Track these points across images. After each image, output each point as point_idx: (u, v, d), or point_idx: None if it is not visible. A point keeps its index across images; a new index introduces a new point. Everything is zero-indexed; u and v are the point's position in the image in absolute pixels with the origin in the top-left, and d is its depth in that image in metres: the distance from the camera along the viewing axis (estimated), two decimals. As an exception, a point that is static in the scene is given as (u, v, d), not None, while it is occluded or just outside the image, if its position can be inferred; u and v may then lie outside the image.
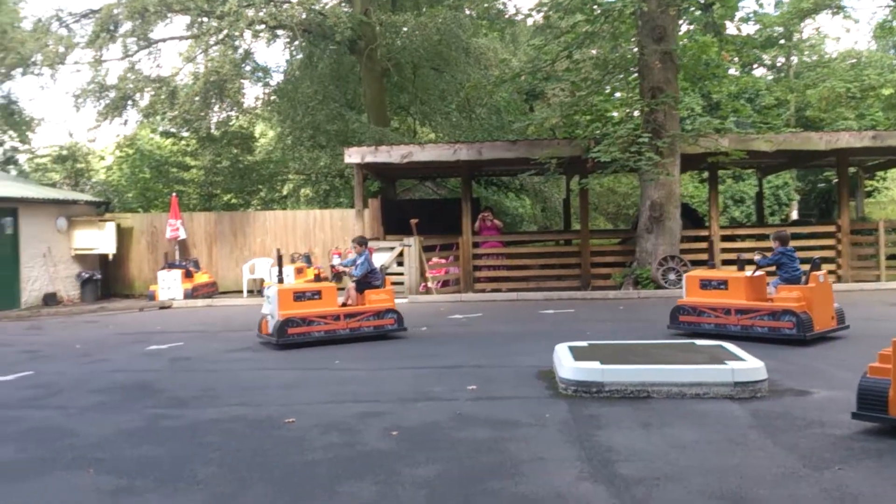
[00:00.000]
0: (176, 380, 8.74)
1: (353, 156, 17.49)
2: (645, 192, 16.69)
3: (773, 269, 10.54)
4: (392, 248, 17.27)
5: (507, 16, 21.39)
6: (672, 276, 16.00)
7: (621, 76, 17.73)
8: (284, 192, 28.02)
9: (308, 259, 19.13)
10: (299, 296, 10.90)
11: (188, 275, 18.46)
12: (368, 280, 11.60)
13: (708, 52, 17.49)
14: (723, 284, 10.22)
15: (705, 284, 10.39)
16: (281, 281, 11.43)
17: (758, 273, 10.33)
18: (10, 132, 30.44)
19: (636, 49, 16.94)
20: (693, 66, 17.44)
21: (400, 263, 17.12)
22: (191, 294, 18.05)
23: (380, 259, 17.34)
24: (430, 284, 17.09)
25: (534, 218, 29.33)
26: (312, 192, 27.42)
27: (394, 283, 17.09)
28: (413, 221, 17.11)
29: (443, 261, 17.88)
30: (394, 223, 19.29)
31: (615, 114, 18.21)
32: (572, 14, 17.41)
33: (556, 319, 12.73)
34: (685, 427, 6.07)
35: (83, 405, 7.61)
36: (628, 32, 17.10)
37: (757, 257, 10.61)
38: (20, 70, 21.02)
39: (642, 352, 7.94)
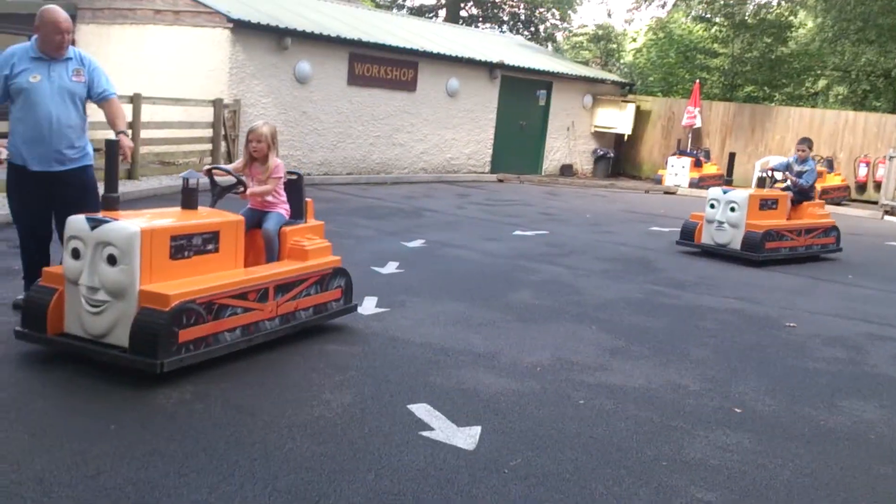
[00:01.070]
0: (674, 262, 8.93)
1: (906, 53, 15.35)
2: None
3: None
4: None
5: None
6: None
7: None
8: (815, 90, 25.92)
9: (830, 164, 17.65)
10: (763, 204, 9.37)
11: (697, 164, 18.37)
12: (807, 192, 10.06)
13: None
14: None
15: None
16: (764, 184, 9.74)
17: None
18: (554, 10, 32.86)
19: None
20: None
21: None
22: (696, 183, 17.99)
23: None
24: None
25: None
26: (847, 92, 24.90)
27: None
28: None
29: None
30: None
31: None
32: None
33: None
34: None
35: (589, 269, 8.21)
36: None
37: None
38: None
39: None
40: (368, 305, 5.99)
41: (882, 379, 5.18)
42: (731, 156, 10.02)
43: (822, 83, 25.64)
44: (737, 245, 9.14)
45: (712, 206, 9.30)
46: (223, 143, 12.74)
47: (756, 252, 9.01)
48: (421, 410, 4.04)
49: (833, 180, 17.25)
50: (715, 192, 9.45)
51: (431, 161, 16.56)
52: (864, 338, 6.18)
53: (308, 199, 5.48)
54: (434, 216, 11.26)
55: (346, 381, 4.44)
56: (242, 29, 12.83)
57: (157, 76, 13.25)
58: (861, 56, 20.73)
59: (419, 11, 33.13)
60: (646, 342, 5.64)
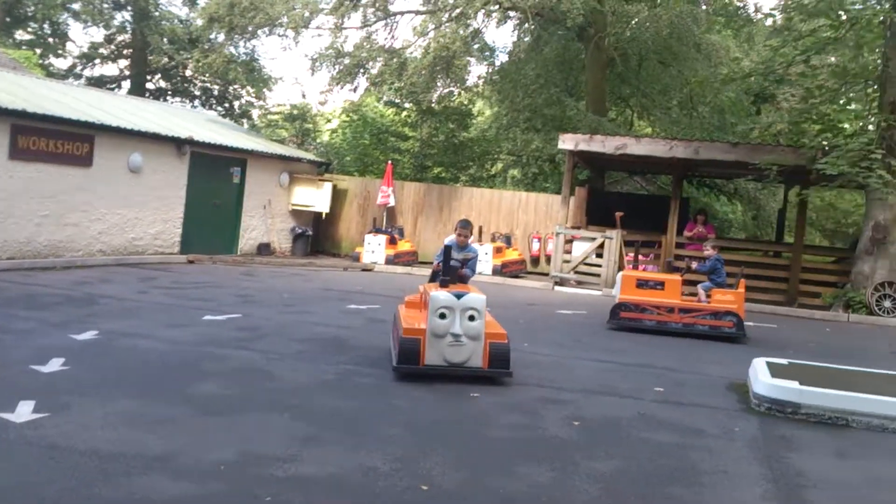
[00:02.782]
0: (370, 339, 9.07)
1: (566, 142, 17.34)
2: (870, 212, 15.64)
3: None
4: (593, 239, 17.02)
5: (745, 14, 20.33)
6: (887, 304, 14.97)
7: (859, 87, 16.48)
8: (493, 172, 28.34)
9: (508, 240, 19.26)
10: None
11: (392, 241, 19.09)
12: (468, 280, 8.56)
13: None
14: (660, 285, 11.37)
15: (642, 284, 11.42)
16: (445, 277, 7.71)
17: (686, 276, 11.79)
18: (248, 88, 32.89)
19: (880, 60, 15.66)
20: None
21: (599, 255, 16.87)
22: (392, 260, 18.68)
23: (580, 248, 17.18)
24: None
25: (743, 225, 27.89)
26: (520, 175, 27.53)
27: (590, 275, 16.99)
28: (618, 214, 16.74)
29: (641, 257, 17.40)
30: (598, 214, 18.98)
31: (847, 126, 16.95)
32: (815, 18, 16.27)
33: (755, 333, 12.01)
34: (884, 462, 5.70)
35: (283, 352, 8.07)
36: (874, 42, 15.79)
37: (695, 265, 12.46)
38: (266, 30, 22.27)
39: (845, 378, 7.47)
40: (23, 411, 5.31)
41: (553, 441, 5.60)
42: (446, 249, 8.10)
43: (499, 166, 28.14)
44: (478, 362, 7.24)
45: (443, 317, 7.18)
46: None
47: (507, 367, 7.29)
48: (86, 528, 3.63)
49: (512, 255, 18.85)
50: (444, 297, 7.23)
51: (111, 242, 15.48)
52: (538, 402, 6.67)
53: None
54: (111, 303, 10.39)
55: (-6, 503, 3.87)
56: None
57: None
58: (531, 143, 23.11)
59: (99, 82, 31.46)
60: (338, 426, 5.61)
